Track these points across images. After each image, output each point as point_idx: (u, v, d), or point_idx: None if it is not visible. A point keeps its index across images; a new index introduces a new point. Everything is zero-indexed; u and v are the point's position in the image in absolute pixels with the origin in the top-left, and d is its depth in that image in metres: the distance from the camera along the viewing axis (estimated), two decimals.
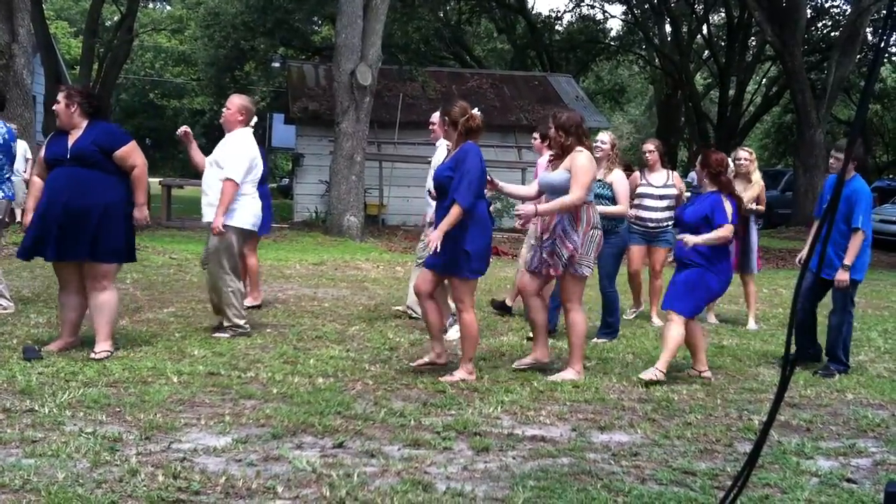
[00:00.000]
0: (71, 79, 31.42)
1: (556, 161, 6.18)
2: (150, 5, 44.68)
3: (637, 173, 8.67)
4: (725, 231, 6.04)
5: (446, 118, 6.02)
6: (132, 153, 6.14)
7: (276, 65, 27.69)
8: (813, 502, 3.89)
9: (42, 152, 6.20)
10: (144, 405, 4.88)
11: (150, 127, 47.97)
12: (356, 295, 9.85)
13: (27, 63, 15.73)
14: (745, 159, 8.71)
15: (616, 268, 7.68)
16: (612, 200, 7.36)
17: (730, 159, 8.52)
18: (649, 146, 8.65)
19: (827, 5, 33.93)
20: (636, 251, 8.61)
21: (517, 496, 3.78)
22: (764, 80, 39.14)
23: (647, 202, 8.47)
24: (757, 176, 8.78)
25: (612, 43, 36.78)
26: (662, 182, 8.47)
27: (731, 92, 33.23)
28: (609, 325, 7.68)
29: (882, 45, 2.45)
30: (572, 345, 6.14)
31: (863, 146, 7.10)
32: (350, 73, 17.32)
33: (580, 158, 5.97)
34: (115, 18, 34.38)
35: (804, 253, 6.90)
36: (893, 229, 20.75)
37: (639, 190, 8.46)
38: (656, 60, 35.86)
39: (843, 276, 6.46)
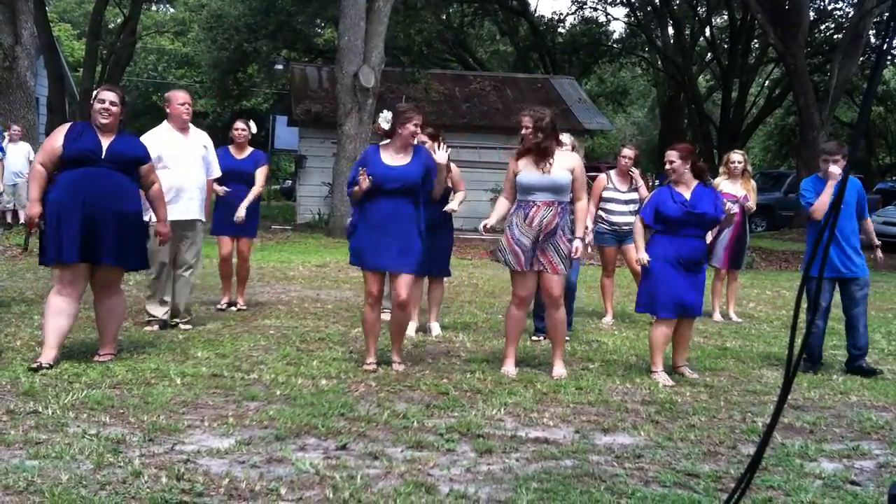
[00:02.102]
0: (74, 81, 31.44)
1: (532, 159, 6.17)
2: (153, 8, 44.75)
3: (603, 176, 8.72)
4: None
5: None
6: (153, 169, 6.32)
7: (279, 67, 27.67)
8: None
9: (55, 144, 5.87)
10: (148, 407, 4.88)
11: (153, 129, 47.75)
12: (359, 297, 9.82)
13: (30, 65, 15.78)
14: (739, 161, 9.03)
15: (578, 263, 7.85)
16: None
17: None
18: (628, 153, 8.58)
19: (830, 7, 34.00)
20: (610, 252, 8.68)
21: (520, 498, 3.77)
22: (767, 82, 39.14)
23: (612, 206, 8.50)
24: (749, 177, 9.16)
25: (615, 45, 36.79)
26: (628, 187, 8.50)
27: (734, 94, 33.24)
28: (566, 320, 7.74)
29: (885, 47, 2.45)
30: (558, 341, 6.30)
31: (850, 147, 7.10)
32: (353, 75, 17.35)
33: (578, 162, 6.26)
34: (118, 21, 34.40)
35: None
36: None
37: (605, 194, 8.51)
38: (659, 63, 35.88)
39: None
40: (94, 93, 6.17)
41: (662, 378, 6.17)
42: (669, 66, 33.91)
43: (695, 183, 6.31)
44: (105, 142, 5.90)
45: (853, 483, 4.19)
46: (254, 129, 8.58)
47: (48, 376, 5.45)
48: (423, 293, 7.73)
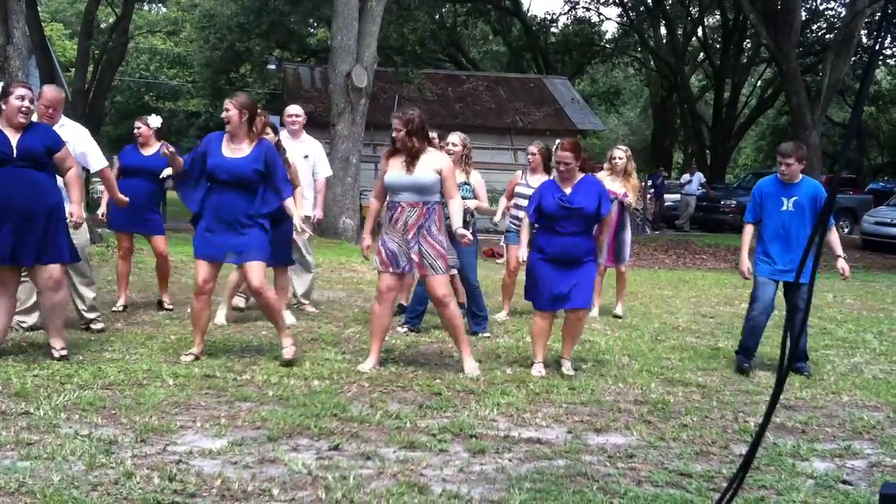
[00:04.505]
0: (66, 81, 31.35)
1: (400, 159, 6.17)
2: (146, 7, 44.64)
3: (518, 173, 8.67)
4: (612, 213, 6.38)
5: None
6: (69, 154, 6.12)
7: (272, 67, 27.65)
8: None
9: None
10: (140, 407, 4.87)
11: None
12: (352, 297, 9.84)
13: (22, 65, 15.69)
14: (621, 158, 8.97)
15: (476, 261, 7.90)
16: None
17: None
18: (532, 149, 8.52)
19: (822, 8, 34.11)
20: (515, 250, 8.46)
21: (513, 498, 3.77)
22: (759, 82, 39.22)
23: (524, 202, 8.09)
24: (634, 174, 9.11)
25: (608, 45, 36.85)
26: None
27: (727, 94, 33.30)
28: (478, 316, 7.79)
29: (877, 47, 2.46)
30: (460, 336, 6.29)
31: (804, 147, 7.02)
32: (346, 75, 17.33)
33: (447, 161, 6.25)
34: (111, 20, 34.32)
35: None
36: (889, 231, 20.75)
37: (517, 190, 8.38)
38: (651, 63, 35.94)
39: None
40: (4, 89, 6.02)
41: (535, 370, 6.20)
42: (662, 66, 34.00)
43: (580, 177, 6.28)
44: (14, 139, 5.79)
45: (845, 482, 4.20)
46: (154, 125, 8.43)
47: (40, 377, 5.43)
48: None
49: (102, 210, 8.06)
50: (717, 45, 35.44)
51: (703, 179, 26.29)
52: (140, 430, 4.47)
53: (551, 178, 7.77)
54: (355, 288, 10.72)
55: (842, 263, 6.75)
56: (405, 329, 7.68)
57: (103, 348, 6.39)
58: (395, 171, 6.14)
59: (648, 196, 26.64)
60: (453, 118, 22.85)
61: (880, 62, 30.32)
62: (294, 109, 8.62)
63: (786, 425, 5.17)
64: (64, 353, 5.95)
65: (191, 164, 6.15)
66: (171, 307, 8.36)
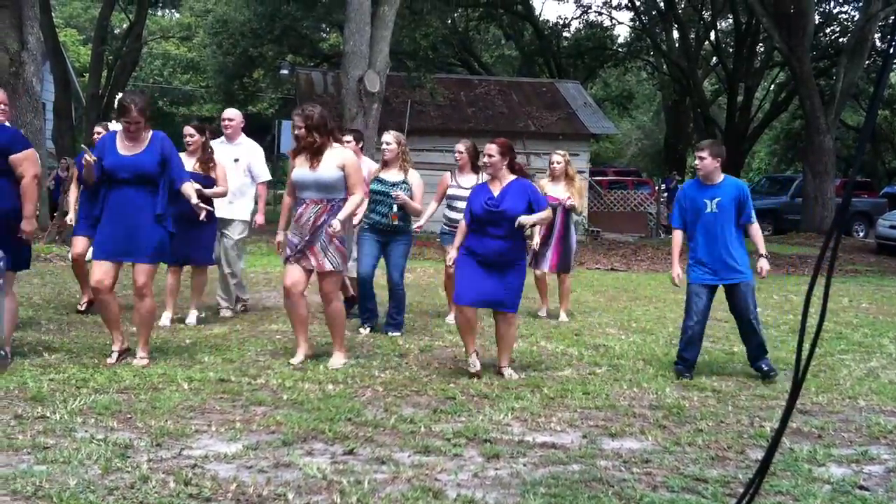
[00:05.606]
0: (80, 86, 31.53)
1: (305, 156, 6.27)
2: (159, 13, 44.85)
3: (447, 174, 8.56)
4: (549, 211, 6.34)
5: None
6: (27, 159, 5.92)
7: (285, 72, 27.69)
8: None
9: None
10: (155, 412, 4.88)
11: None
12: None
13: (37, 71, 15.82)
14: (559, 162, 8.95)
15: (405, 262, 7.89)
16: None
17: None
18: (460, 147, 8.39)
19: (835, 11, 33.92)
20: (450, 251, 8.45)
21: (528, 503, 3.77)
22: (772, 85, 39.09)
23: (458, 203, 8.07)
24: (577, 177, 9.09)
25: (620, 49, 36.79)
26: (471, 184, 7.88)
27: (740, 98, 33.19)
28: (395, 319, 7.83)
29: (891, 50, 2.45)
30: (337, 333, 6.43)
31: (722, 146, 6.86)
32: (358, 79, 17.36)
33: (350, 157, 6.33)
34: (124, 26, 34.50)
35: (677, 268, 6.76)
36: None
37: (449, 191, 8.25)
38: (664, 66, 35.84)
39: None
40: None
41: (470, 362, 6.20)
42: (674, 70, 33.89)
43: (510, 179, 6.26)
44: None
45: (862, 488, 4.17)
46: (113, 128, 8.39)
47: (56, 381, 5.46)
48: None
49: None
50: (730, 49, 35.33)
51: None
52: (155, 434, 4.48)
53: (480, 178, 7.81)
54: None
55: (763, 263, 6.59)
56: (367, 330, 7.76)
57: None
58: (300, 168, 6.27)
59: (662, 200, 26.61)
60: (465, 123, 22.85)
61: (894, 66, 30.15)
62: (228, 113, 8.68)
63: (802, 430, 5.14)
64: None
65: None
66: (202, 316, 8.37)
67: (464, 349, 6.39)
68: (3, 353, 5.76)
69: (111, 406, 4.93)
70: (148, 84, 43.75)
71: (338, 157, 6.25)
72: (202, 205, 6.49)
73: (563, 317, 9.05)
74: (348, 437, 4.59)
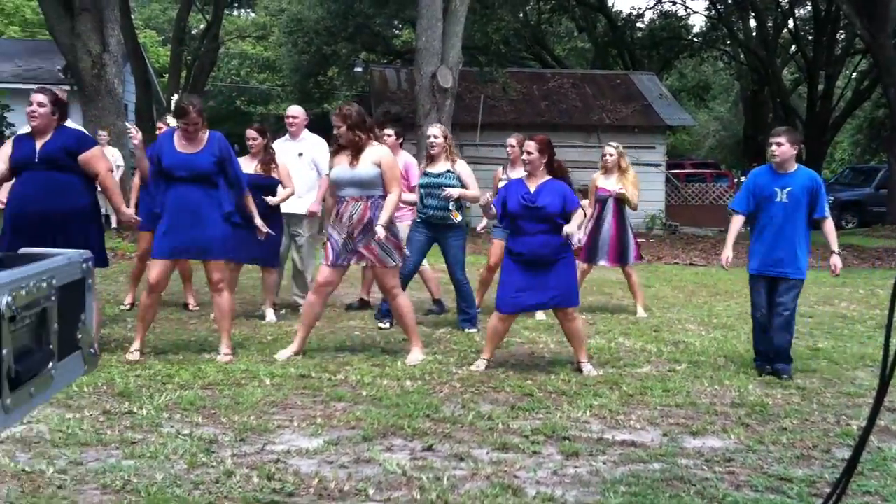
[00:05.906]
0: (160, 87, 32.24)
1: (344, 154, 6.29)
2: (235, 13, 45.58)
3: (500, 168, 8.60)
4: (581, 211, 6.23)
5: None
6: (93, 157, 6.04)
7: (359, 69, 27.93)
8: None
9: (6, 153, 5.95)
10: (238, 407, 4.98)
11: (238, 133, 48.52)
12: (444, 299, 9.84)
13: (118, 72, 16.22)
14: (611, 154, 8.84)
15: (464, 256, 7.87)
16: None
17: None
18: (511, 140, 8.35)
19: None
20: (498, 244, 8.29)
21: (608, 502, 3.74)
22: (854, 73, 38.00)
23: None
24: (631, 169, 8.93)
25: (696, 39, 36.12)
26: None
27: (820, 87, 32.35)
28: (466, 312, 7.80)
29: None
30: (408, 327, 6.45)
31: (798, 132, 6.52)
32: (431, 75, 17.41)
33: (387, 154, 6.35)
34: (202, 26, 35.18)
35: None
36: None
37: (501, 185, 8.04)
38: (741, 56, 35.12)
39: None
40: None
41: (476, 364, 6.20)
42: (752, 60, 33.16)
43: (546, 178, 6.20)
44: (39, 144, 5.86)
45: None
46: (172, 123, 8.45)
47: (142, 377, 5.60)
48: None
49: None
50: (809, 37, 34.43)
51: None
52: (239, 429, 4.57)
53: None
54: (447, 289, 10.71)
55: (835, 259, 6.37)
56: (387, 325, 7.77)
57: (202, 349, 6.57)
58: (339, 166, 6.30)
59: None
60: (539, 117, 22.72)
61: None
62: (291, 110, 8.76)
63: (890, 429, 5.00)
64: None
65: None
66: (197, 307, 8.49)
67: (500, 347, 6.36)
68: (91, 350, 5.91)
69: (196, 401, 5.04)
70: (226, 84, 44.57)
71: (374, 154, 6.29)
72: (264, 228, 6.77)
73: (640, 312, 8.93)
74: (427, 433, 4.62)
